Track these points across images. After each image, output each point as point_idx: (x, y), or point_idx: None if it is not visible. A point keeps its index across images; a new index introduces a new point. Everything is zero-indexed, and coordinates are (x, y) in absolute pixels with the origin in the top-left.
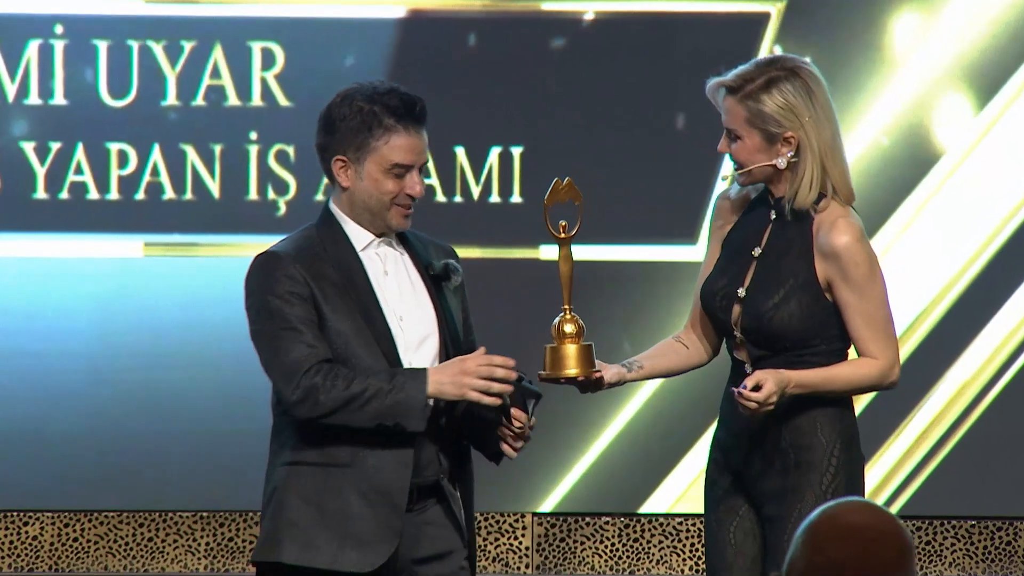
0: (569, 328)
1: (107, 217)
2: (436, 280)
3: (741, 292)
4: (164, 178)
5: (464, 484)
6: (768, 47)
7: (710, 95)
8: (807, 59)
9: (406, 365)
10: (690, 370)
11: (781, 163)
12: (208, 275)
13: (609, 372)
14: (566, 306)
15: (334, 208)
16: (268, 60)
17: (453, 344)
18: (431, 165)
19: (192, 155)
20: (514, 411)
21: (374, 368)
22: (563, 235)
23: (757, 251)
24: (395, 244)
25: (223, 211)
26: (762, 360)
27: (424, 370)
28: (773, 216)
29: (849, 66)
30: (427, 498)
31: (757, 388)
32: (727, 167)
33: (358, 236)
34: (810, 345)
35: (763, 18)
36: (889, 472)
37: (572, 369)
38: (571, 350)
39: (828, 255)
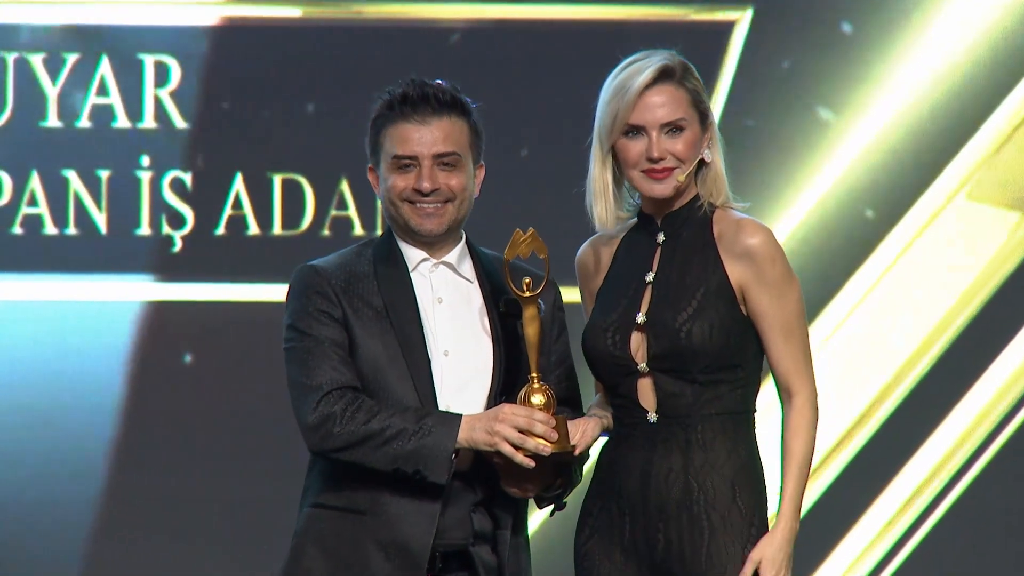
0: (538, 399)
1: None
2: (507, 317)
3: (640, 318)
4: (43, 209)
5: (512, 556)
6: (737, 56)
7: (636, 93)
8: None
9: (443, 407)
10: None
11: (708, 155)
12: (91, 324)
13: (589, 426)
14: (533, 374)
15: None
16: (162, 75)
17: (511, 391)
18: None
19: (76, 183)
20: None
21: (403, 405)
22: (528, 293)
23: (650, 276)
24: (460, 270)
25: (111, 247)
26: (673, 398)
27: (458, 416)
28: (662, 239)
29: (825, 78)
30: (453, 569)
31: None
32: (658, 185)
33: (409, 254)
34: (732, 369)
35: (726, 27)
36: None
37: (545, 446)
38: None
39: (740, 256)
